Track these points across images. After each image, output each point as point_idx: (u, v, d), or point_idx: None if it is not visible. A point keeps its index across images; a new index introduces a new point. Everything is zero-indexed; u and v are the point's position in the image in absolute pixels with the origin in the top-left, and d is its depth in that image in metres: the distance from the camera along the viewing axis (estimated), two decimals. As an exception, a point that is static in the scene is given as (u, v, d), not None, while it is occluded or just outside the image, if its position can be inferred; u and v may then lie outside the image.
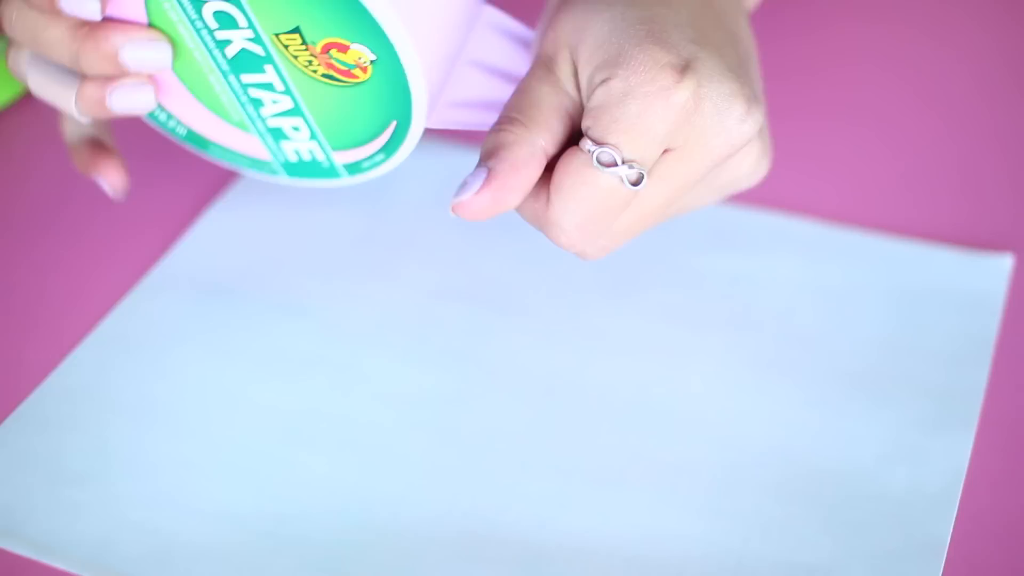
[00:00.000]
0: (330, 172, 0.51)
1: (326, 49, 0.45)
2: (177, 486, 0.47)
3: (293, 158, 0.51)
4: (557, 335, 0.52)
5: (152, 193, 0.59)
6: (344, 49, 0.45)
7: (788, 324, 0.53)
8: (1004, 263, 0.55)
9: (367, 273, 0.55)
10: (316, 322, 0.53)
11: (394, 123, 0.47)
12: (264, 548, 0.45)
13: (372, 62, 0.45)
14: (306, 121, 0.49)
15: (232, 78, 0.48)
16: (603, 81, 0.42)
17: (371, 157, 0.49)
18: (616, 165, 0.42)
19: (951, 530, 0.45)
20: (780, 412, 0.49)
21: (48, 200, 0.59)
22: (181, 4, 0.45)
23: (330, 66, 0.46)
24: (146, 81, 0.48)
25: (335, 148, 0.49)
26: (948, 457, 0.47)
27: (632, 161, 0.42)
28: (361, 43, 0.45)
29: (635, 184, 0.42)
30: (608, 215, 0.43)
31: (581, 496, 0.47)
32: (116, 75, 0.47)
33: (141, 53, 0.46)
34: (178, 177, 0.60)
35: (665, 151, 0.43)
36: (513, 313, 0.53)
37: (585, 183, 0.42)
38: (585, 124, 0.43)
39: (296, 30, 0.45)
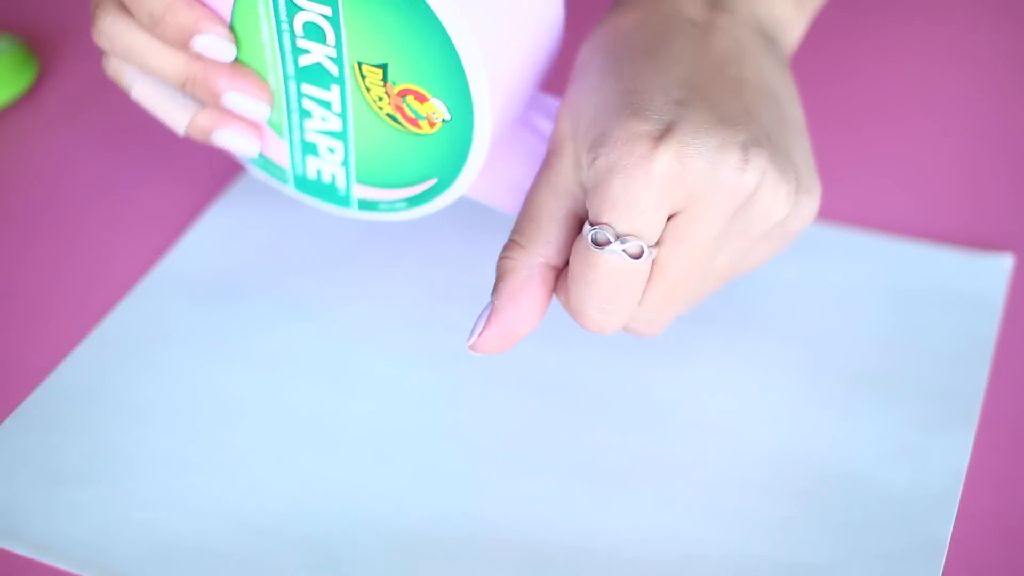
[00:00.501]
0: (342, 200, 0.50)
1: (403, 93, 0.45)
2: (176, 486, 0.47)
3: (312, 176, 0.50)
4: (557, 334, 0.52)
5: (152, 193, 0.59)
6: (423, 100, 0.45)
7: (788, 324, 0.53)
8: (1004, 263, 0.55)
9: (367, 273, 0.55)
10: (316, 322, 0.53)
11: (434, 180, 0.47)
12: (264, 548, 0.45)
13: (444, 121, 0.45)
14: (346, 147, 0.48)
15: (292, 84, 0.47)
16: (591, 162, 0.42)
17: (392, 202, 0.49)
18: (611, 243, 0.42)
19: (951, 530, 0.45)
20: (780, 412, 0.49)
21: (48, 200, 0.59)
22: (276, 5, 0.45)
23: (399, 109, 0.45)
24: (254, 132, 0.49)
25: (360, 181, 0.49)
26: (948, 457, 0.47)
27: (627, 235, 0.42)
28: (442, 100, 0.44)
29: (637, 257, 0.42)
30: (624, 292, 0.43)
31: (581, 496, 0.47)
32: (227, 115, 0.48)
33: (243, 104, 0.47)
34: (178, 177, 0.60)
35: (672, 216, 0.42)
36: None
37: (590, 266, 0.42)
38: (587, 206, 0.43)
39: (383, 66, 0.45)
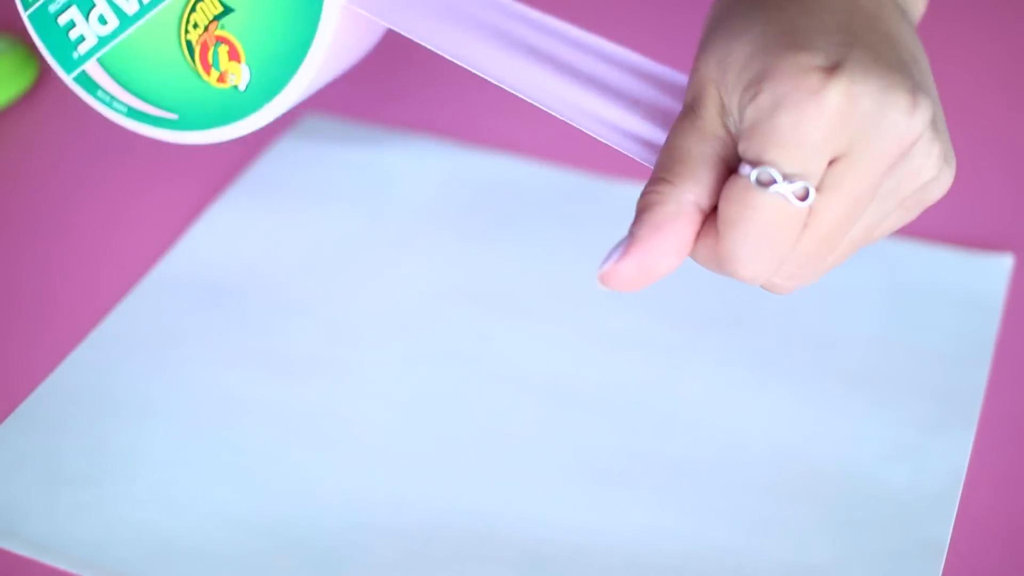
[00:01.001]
0: (65, 59, 0.48)
1: (222, 40, 0.45)
2: (176, 486, 0.47)
3: (61, 19, 0.48)
4: (557, 334, 0.52)
5: (152, 193, 0.59)
6: (234, 58, 0.45)
7: (788, 324, 0.53)
8: (1004, 263, 0.55)
9: (367, 273, 0.55)
10: (316, 322, 0.53)
11: (175, 116, 0.47)
12: (263, 548, 0.45)
13: (234, 87, 0.45)
14: (118, 30, 0.47)
15: None
16: (751, 99, 0.40)
17: (112, 99, 0.48)
18: (777, 183, 0.40)
19: (951, 530, 0.45)
20: (780, 412, 0.49)
21: (49, 200, 0.59)
22: None
23: (204, 47, 0.45)
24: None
25: (101, 62, 0.48)
26: (948, 457, 0.47)
27: (793, 175, 0.40)
28: (251, 72, 0.45)
29: (802, 199, 0.40)
30: (783, 237, 0.41)
31: (581, 495, 0.47)
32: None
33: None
34: (178, 177, 0.60)
35: (832, 161, 0.41)
36: (513, 312, 0.53)
37: (749, 207, 0.40)
38: (741, 148, 0.41)
39: (228, 10, 0.45)
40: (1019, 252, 0.56)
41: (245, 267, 0.55)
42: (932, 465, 0.47)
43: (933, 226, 0.57)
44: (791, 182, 0.40)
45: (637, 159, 0.45)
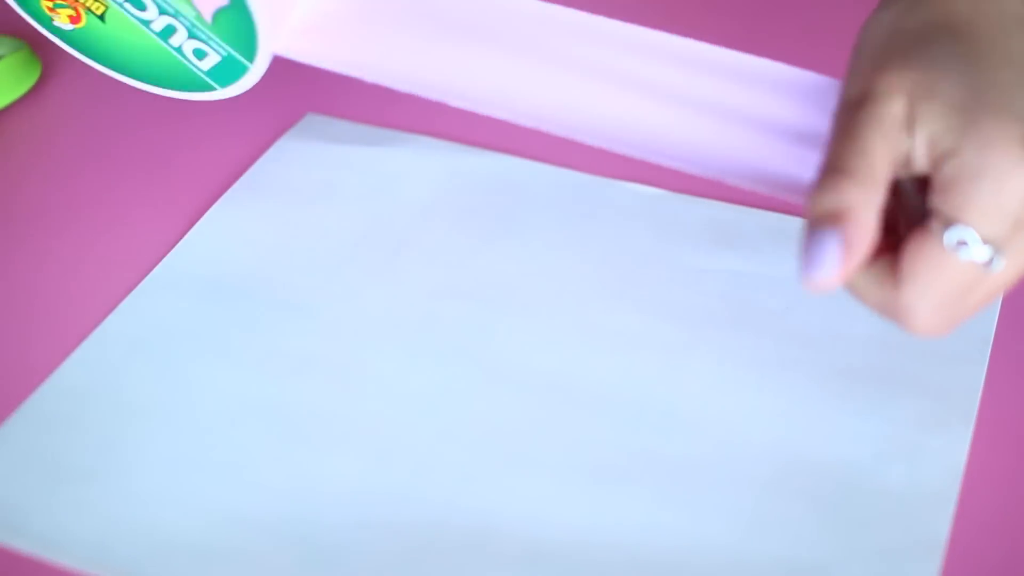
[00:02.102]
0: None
1: None
2: (178, 484, 0.47)
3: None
4: (557, 334, 0.52)
5: (154, 193, 0.59)
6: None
7: (787, 323, 0.53)
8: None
9: (367, 273, 0.55)
10: (316, 321, 0.53)
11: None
12: (264, 546, 0.45)
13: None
14: None
15: None
16: (953, 153, 0.41)
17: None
18: (969, 246, 0.40)
19: (949, 527, 0.45)
20: (779, 410, 0.49)
21: (50, 200, 0.59)
22: None
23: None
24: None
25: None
26: (946, 455, 0.47)
27: (988, 240, 0.40)
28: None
29: (988, 263, 0.41)
30: (963, 296, 0.41)
31: (581, 493, 0.47)
32: None
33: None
34: (179, 177, 0.60)
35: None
36: (513, 312, 0.53)
37: (939, 266, 0.41)
38: (935, 202, 0.41)
39: None
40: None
41: (246, 266, 0.55)
42: (930, 463, 0.47)
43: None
44: (984, 246, 0.40)
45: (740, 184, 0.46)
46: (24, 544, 0.45)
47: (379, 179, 0.60)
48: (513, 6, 0.53)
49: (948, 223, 0.40)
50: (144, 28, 0.57)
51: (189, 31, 0.57)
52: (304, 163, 0.60)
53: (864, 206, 0.41)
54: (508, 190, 0.59)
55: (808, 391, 0.50)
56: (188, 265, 0.56)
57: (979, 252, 0.40)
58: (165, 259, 0.56)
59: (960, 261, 0.41)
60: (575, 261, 0.55)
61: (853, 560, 0.44)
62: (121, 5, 0.57)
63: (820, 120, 0.47)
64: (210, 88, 0.58)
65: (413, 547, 0.45)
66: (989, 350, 0.51)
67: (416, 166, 0.60)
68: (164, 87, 0.59)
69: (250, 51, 0.57)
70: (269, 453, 0.48)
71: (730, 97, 0.49)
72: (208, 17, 0.56)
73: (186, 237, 0.57)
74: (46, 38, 0.60)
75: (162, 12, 0.56)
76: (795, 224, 0.57)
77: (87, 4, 0.57)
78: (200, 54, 0.57)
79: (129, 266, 0.56)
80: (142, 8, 0.56)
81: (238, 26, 0.56)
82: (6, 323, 0.53)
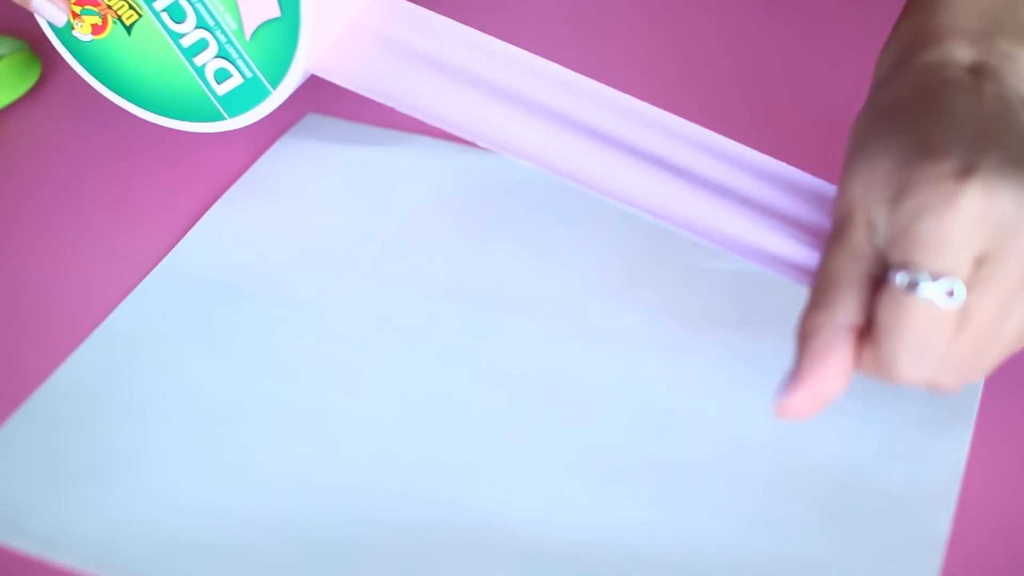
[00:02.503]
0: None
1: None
2: (179, 484, 0.47)
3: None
4: (557, 333, 0.52)
5: (154, 193, 0.59)
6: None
7: (787, 322, 0.53)
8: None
9: (367, 273, 0.55)
10: (316, 321, 0.53)
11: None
12: (266, 545, 0.45)
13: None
14: None
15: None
16: (895, 210, 0.43)
17: None
18: (923, 283, 0.42)
19: (949, 527, 0.45)
20: (779, 410, 0.49)
21: (50, 200, 0.59)
22: None
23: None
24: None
25: None
26: (946, 455, 0.48)
27: (939, 274, 0.42)
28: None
29: (952, 297, 0.42)
30: (938, 338, 0.43)
31: (581, 493, 0.47)
32: None
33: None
34: (180, 176, 0.60)
35: (979, 259, 0.42)
36: (513, 312, 0.53)
37: (902, 312, 0.42)
38: (889, 257, 0.43)
39: None
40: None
41: (246, 266, 0.56)
42: (930, 463, 0.47)
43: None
44: (937, 281, 0.42)
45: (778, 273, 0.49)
46: (24, 544, 0.45)
47: (379, 179, 0.60)
48: (535, 64, 0.57)
49: (898, 268, 0.42)
50: (172, 43, 0.57)
51: (220, 47, 0.57)
52: (304, 163, 0.60)
53: (819, 329, 0.44)
54: (508, 190, 0.59)
55: (808, 391, 0.50)
56: (188, 265, 0.56)
57: (932, 289, 0.42)
58: (165, 259, 0.56)
59: (920, 300, 0.42)
60: (575, 261, 0.55)
61: (853, 560, 0.44)
62: (158, 14, 0.57)
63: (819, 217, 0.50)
64: (218, 117, 0.59)
65: (413, 547, 0.45)
66: (989, 350, 0.51)
67: (416, 166, 0.60)
68: (167, 115, 0.59)
69: (278, 74, 0.57)
70: (269, 452, 0.48)
71: (736, 182, 0.52)
72: (248, 33, 0.56)
73: (186, 237, 0.57)
74: (46, 38, 0.60)
75: (200, 24, 0.57)
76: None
77: (119, 12, 0.57)
78: (222, 75, 0.58)
79: (129, 266, 0.56)
80: (180, 20, 0.57)
81: (276, 44, 0.56)
82: (6, 323, 0.53)
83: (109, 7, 0.57)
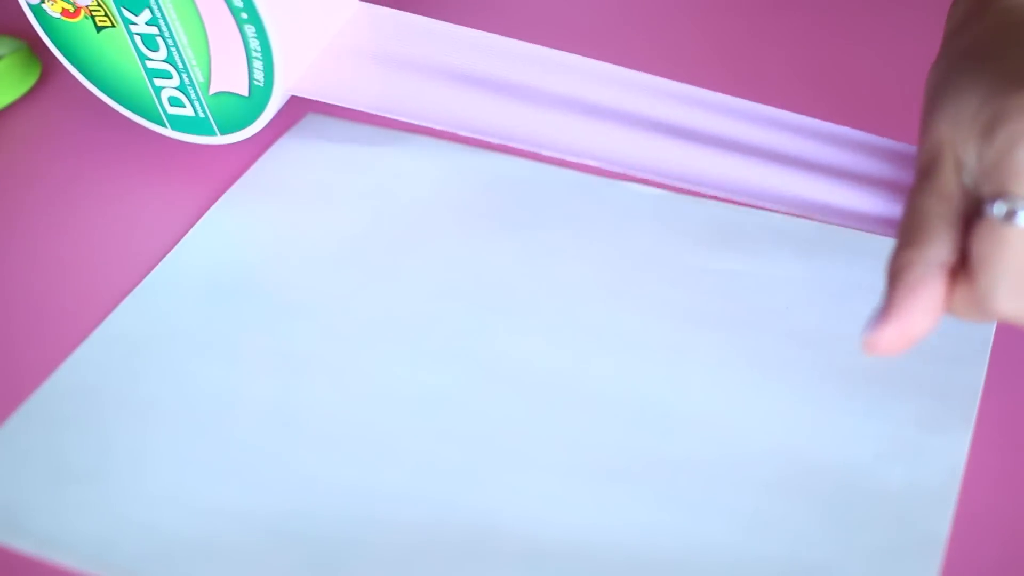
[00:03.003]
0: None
1: None
2: (179, 484, 0.47)
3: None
4: (557, 333, 0.52)
5: (154, 193, 0.59)
6: None
7: (787, 322, 0.53)
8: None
9: (367, 273, 0.55)
10: (316, 321, 0.53)
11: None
12: (265, 546, 0.45)
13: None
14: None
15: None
16: (988, 143, 0.43)
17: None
18: (1018, 212, 0.42)
19: (949, 527, 0.45)
20: (779, 410, 0.49)
21: (50, 200, 0.59)
22: None
23: None
24: None
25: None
26: (946, 455, 0.48)
27: None
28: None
29: None
30: None
31: (581, 493, 0.47)
32: None
33: None
34: (180, 176, 0.60)
35: None
36: (513, 312, 0.53)
37: (999, 243, 0.42)
38: (984, 190, 0.43)
39: None
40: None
41: (246, 266, 0.56)
42: (930, 463, 0.47)
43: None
44: None
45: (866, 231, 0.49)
46: (25, 544, 0.45)
47: (379, 179, 0.60)
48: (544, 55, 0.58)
49: (994, 199, 0.42)
50: (136, 57, 0.58)
51: (182, 85, 0.58)
52: (304, 163, 0.61)
53: (911, 265, 0.44)
54: (508, 190, 0.59)
55: (808, 391, 0.50)
56: (188, 265, 0.56)
57: None
58: (165, 259, 0.56)
59: (1018, 231, 0.42)
60: (575, 261, 0.55)
61: (853, 559, 0.45)
62: (131, 36, 0.57)
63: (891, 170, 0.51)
64: (161, 124, 0.60)
65: (413, 546, 0.45)
66: (989, 350, 0.51)
67: (416, 166, 0.60)
68: (116, 99, 0.60)
69: (231, 127, 0.58)
70: (270, 452, 0.48)
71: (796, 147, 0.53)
72: (213, 90, 0.57)
73: (186, 237, 0.57)
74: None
75: (168, 60, 0.57)
76: (795, 224, 0.57)
77: (94, 12, 0.57)
78: (176, 103, 0.58)
79: (129, 266, 0.56)
80: (152, 49, 0.57)
81: (237, 111, 0.57)
82: (7, 323, 0.53)
83: (87, 6, 0.57)
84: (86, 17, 0.57)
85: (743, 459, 0.48)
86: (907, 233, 0.45)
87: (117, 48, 0.58)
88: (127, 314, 0.54)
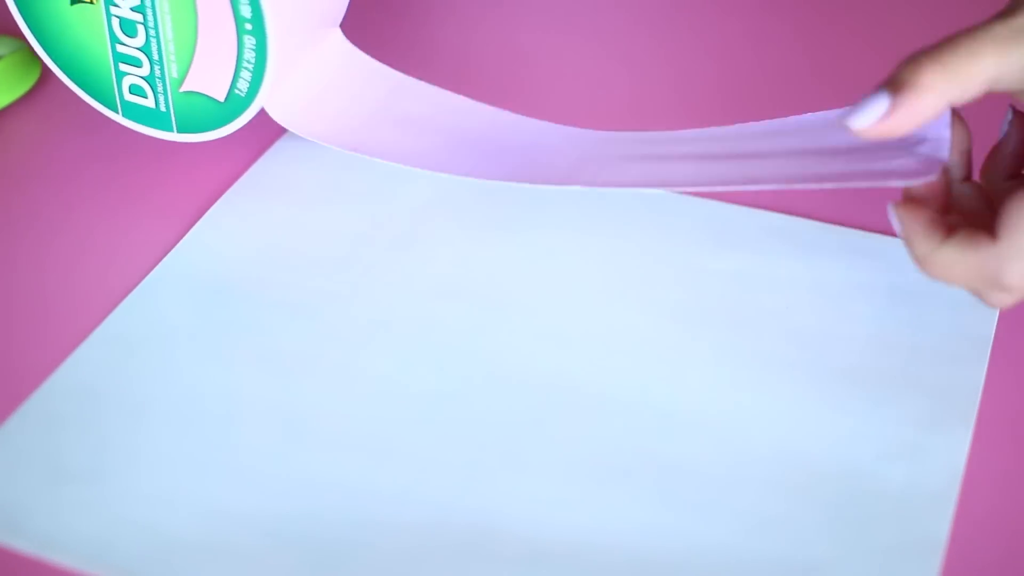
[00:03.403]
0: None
1: None
2: (178, 484, 0.47)
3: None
4: (558, 333, 0.52)
5: (153, 193, 0.59)
6: None
7: (787, 322, 0.53)
8: (1002, 262, 0.55)
9: (367, 273, 0.55)
10: (316, 321, 0.53)
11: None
12: (264, 546, 0.45)
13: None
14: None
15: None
16: None
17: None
18: None
19: (949, 527, 0.45)
20: (779, 410, 0.49)
21: (50, 200, 0.59)
22: None
23: None
24: None
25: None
26: (946, 454, 0.48)
27: None
28: None
29: None
30: None
31: (582, 493, 0.47)
32: None
33: None
34: (179, 177, 0.60)
35: None
36: (513, 312, 0.53)
37: None
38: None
39: None
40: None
41: (246, 266, 0.56)
42: (930, 463, 0.47)
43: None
44: None
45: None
46: (24, 544, 0.45)
47: (379, 179, 0.60)
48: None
49: None
50: (107, 38, 0.57)
51: (151, 76, 0.57)
52: (304, 163, 0.61)
53: (938, 91, 0.44)
54: (508, 190, 0.59)
55: (808, 391, 0.50)
56: (188, 265, 0.56)
57: None
58: (165, 259, 0.56)
59: None
60: (575, 261, 0.55)
61: (853, 559, 0.44)
62: (109, 16, 0.57)
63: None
64: (110, 107, 0.59)
65: (413, 547, 0.45)
66: (989, 350, 0.51)
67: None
68: (67, 73, 0.59)
69: (191, 128, 0.58)
70: (269, 453, 0.48)
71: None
72: (185, 88, 0.57)
73: (186, 237, 0.57)
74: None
75: (143, 49, 0.57)
76: (795, 224, 0.57)
77: None
78: (136, 91, 0.58)
79: (129, 266, 0.56)
80: (129, 35, 0.57)
81: (205, 113, 0.57)
82: (6, 323, 0.54)
83: None
84: None
85: (743, 459, 0.48)
86: (944, 55, 0.44)
87: (87, 24, 0.57)
88: (126, 314, 0.54)
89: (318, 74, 0.59)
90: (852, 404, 0.50)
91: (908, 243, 0.47)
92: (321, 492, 0.47)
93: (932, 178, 0.46)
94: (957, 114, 0.49)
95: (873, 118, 0.45)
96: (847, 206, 0.58)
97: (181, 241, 0.57)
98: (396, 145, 0.58)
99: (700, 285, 0.54)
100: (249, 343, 0.52)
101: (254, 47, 0.55)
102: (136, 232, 0.58)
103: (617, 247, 0.56)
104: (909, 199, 0.48)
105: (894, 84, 0.45)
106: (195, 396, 0.50)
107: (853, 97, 0.65)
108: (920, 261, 0.47)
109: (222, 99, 0.56)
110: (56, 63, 0.59)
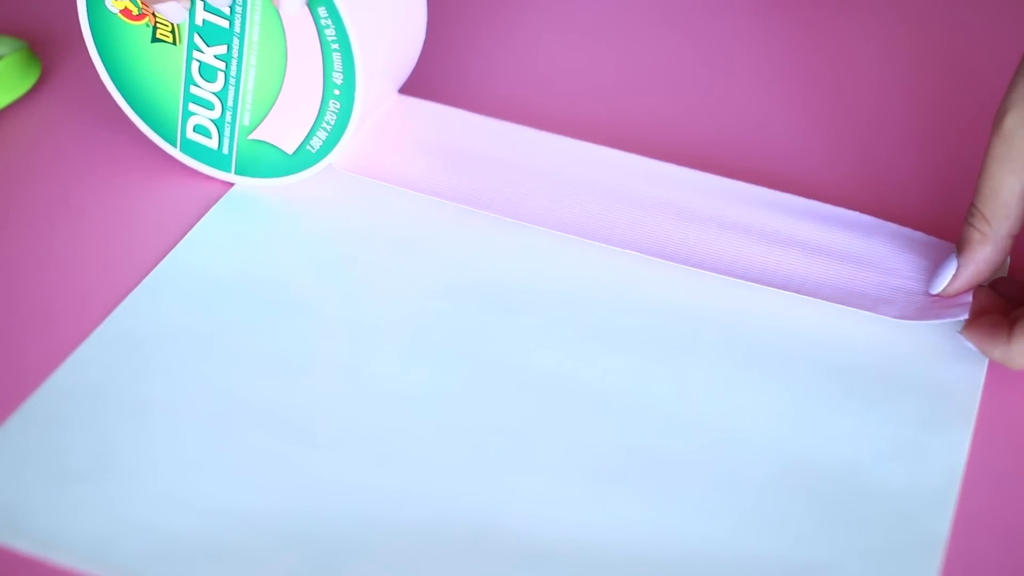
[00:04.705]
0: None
1: None
2: (179, 484, 0.47)
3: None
4: (557, 332, 0.52)
5: (154, 193, 0.59)
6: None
7: (787, 322, 0.53)
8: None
9: (367, 273, 0.55)
10: (316, 321, 0.53)
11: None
12: (266, 545, 0.45)
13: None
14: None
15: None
16: None
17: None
18: None
19: (949, 527, 0.45)
20: (779, 409, 0.49)
21: (50, 200, 0.59)
22: None
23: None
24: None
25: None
26: (946, 454, 0.48)
27: None
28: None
29: None
30: None
31: (581, 492, 0.47)
32: None
33: None
34: (180, 177, 0.60)
35: None
36: (513, 311, 0.53)
37: None
38: None
39: None
40: (1018, 250, 0.56)
41: (246, 266, 0.56)
42: (930, 462, 0.47)
43: (933, 224, 0.57)
44: None
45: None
46: (24, 544, 0.45)
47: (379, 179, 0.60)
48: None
49: None
50: (182, 79, 0.57)
51: (220, 120, 0.57)
52: (304, 163, 0.60)
53: (983, 242, 0.51)
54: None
55: (808, 391, 0.50)
56: (188, 265, 0.56)
57: None
58: (167, 258, 0.56)
59: None
60: (575, 261, 0.55)
61: (853, 559, 0.45)
62: (189, 61, 0.56)
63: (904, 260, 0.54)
64: (171, 143, 0.59)
65: (414, 545, 0.45)
66: (989, 350, 0.51)
67: (416, 166, 0.60)
68: (133, 107, 0.59)
69: (251, 172, 0.58)
70: (269, 452, 0.48)
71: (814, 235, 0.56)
72: (253, 136, 0.57)
73: (186, 237, 0.57)
74: (46, 38, 0.60)
75: (219, 95, 0.56)
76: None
77: (159, 23, 0.56)
78: (201, 131, 0.58)
79: (130, 265, 0.56)
80: (208, 79, 0.56)
81: (268, 161, 0.57)
82: (6, 323, 0.53)
83: (154, 14, 0.56)
84: (148, 25, 0.56)
85: (743, 459, 0.48)
86: (982, 202, 0.50)
87: (163, 63, 0.57)
88: (128, 314, 0.53)
89: (374, 121, 0.59)
90: (852, 404, 0.50)
91: (986, 354, 0.50)
92: (322, 492, 0.47)
93: (965, 314, 0.51)
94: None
95: (944, 281, 0.52)
96: (849, 202, 0.58)
97: (183, 240, 0.57)
98: (463, 185, 0.58)
99: (700, 285, 0.54)
100: (251, 342, 0.52)
101: (337, 111, 0.54)
102: (137, 231, 0.57)
103: (617, 247, 0.56)
104: (971, 315, 0.51)
105: (959, 247, 0.51)
106: (196, 395, 0.50)
107: (857, 102, 0.64)
108: (1004, 363, 0.49)
109: (290, 152, 0.56)
110: (122, 93, 0.58)
